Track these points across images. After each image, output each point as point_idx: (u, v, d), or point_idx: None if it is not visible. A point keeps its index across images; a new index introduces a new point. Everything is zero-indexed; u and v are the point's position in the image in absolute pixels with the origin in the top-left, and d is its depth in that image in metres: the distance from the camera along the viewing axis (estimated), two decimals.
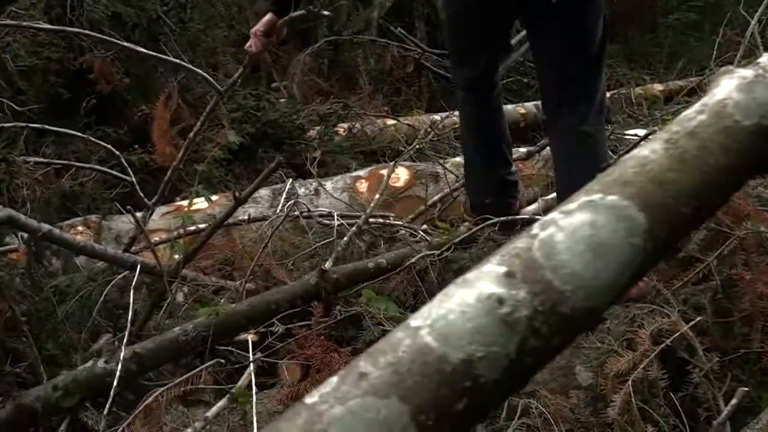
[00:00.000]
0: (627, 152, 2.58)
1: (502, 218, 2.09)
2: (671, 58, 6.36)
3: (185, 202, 3.21)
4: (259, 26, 2.26)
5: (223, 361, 1.61)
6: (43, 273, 2.22)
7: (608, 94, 5.18)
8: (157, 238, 2.55)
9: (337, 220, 2.31)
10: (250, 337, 1.60)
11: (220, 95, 2.39)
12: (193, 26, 4.04)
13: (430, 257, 1.89)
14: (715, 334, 1.63)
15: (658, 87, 5.53)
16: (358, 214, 2.59)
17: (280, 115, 4.49)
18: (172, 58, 2.40)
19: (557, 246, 0.55)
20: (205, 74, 2.29)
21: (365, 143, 4.63)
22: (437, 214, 2.87)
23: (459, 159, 3.39)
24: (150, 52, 2.41)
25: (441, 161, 3.36)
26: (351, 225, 2.36)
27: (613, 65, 5.67)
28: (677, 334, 1.52)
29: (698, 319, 1.55)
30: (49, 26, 3.17)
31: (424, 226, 2.47)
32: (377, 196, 2.27)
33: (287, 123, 4.51)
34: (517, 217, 2.16)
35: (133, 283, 1.73)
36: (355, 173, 3.46)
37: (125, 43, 2.54)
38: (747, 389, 1.48)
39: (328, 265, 1.82)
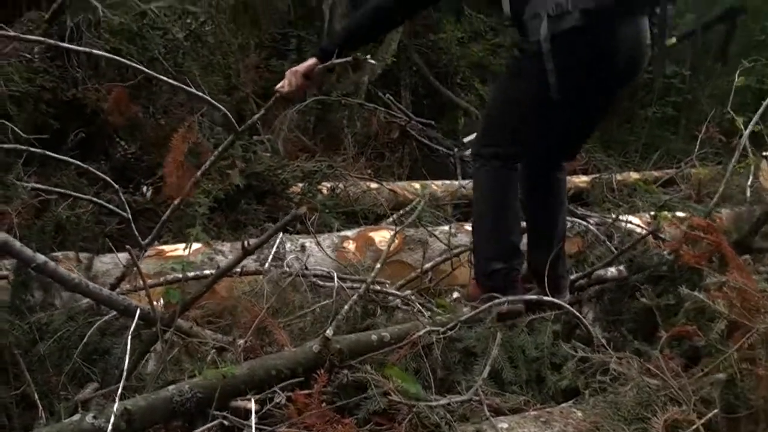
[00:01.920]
0: (632, 246, 2.64)
1: (508, 298, 2.06)
2: (647, 149, 6.58)
3: (166, 247, 3.14)
4: (299, 68, 2.26)
5: (226, 423, 1.52)
6: (24, 305, 2.11)
7: (588, 178, 5.34)
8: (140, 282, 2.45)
9: (337, 282, 2.26)
10: (252, 406, 1.51)
11: (236, 135, 2.34)
12: (190, 71, 4.01)
13: (434, 333, 1.85)
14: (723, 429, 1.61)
15: (634, 175, 5.68)
16: (356, 277, 2.54)
17: (266, 168, 4.46)
18: (194, 90, 2.34)
19: None
20: (226, 111, 2.24)
21: (347, 204, 4.63)
22: (430, 284, 2.84)
23: (446, 227, 3.40)
24: (174, 82, 2.37)
25: (429, 228, 3.35)
26: (348, 288, 2.32)
27: (590, 150, 5.83)
28: (691, 429, 1.49)
29: (712, 413, 1.53)
30: (70, 46, 3.10)
31: (422, 300, 2.41)
32: (378, 265, 2.23)
33: (272, 177, 4.48)
34: (526, 297, 2.13)
35: (131, 330, 1.64)
36: (342, 233, 3.43)
37: (150, 72, 2.49)
38: None
39: (329, 332, 1.76)
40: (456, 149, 5.55)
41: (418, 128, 5.86)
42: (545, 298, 2.12)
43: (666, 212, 3.71)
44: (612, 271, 2.64)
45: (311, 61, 2.27)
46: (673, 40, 2.23)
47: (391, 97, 6.06)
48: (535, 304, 2.09)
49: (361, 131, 5.80)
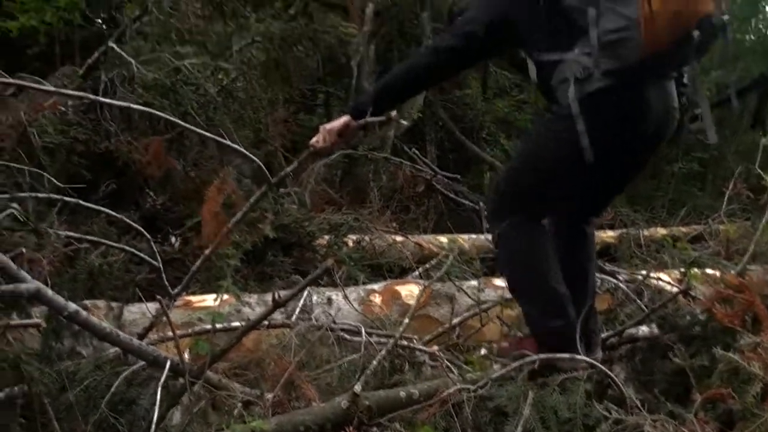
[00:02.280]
0: (663, 304, 2.59)
1: (540, 356, 2.02)
2: (673, 204, 6.53)
3: (194, 297, 3.15)
4: (334, 125, 2.26)
5: None
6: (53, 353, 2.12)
7: (615, 233, 5.29)
8: (169, 333, 2.45)
9: (365, 336, 2.24)
10: None
11: (269, 186, 2.36)
12: (221, 124, 4.09)
13: (465, 391, 1.82)
14: None
15: (661, 231, 5.62)
16: (384, 332, 2.52)
17: (293, 220, 4.49)
18: (229, 143, 2.39)
19: None
20: (260, 163, 2.27)
21: (373, 257, 4.63)
22: (458, 339, 2.81)
23: (473, 282, 3.38)
24: (209, 135, 2.42)
25: (457, 283, 3.32)
26: (376, 342, 2.30)
27: (616, 205, 5.79)
28: None
29: None
30: (110, 101, 3.17)
31: (450, 356, 2.38)
32: (406, 320, 2.21)
33: (298, 229, 4.51)
34: (578, 357, 2.08)
35: (162, 381, 1.63)
36: (369, 286, 3.42)
37: (185, 124, 2.55)
38: None
39: (357, 388, 1.74)
40: (481, 204, 5.56)
41: (443, 182, 5.87)
42: (579, 357, 2.08)
43: (696, 269, 3.65)
44: (643, 329, 2.59)
45: (345, 118, 2.27)
46: (698, 110, 2.21)
47: (416, 152, 6.10)
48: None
49: (386, 185, 5.83)
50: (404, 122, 2.96)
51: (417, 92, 3.06)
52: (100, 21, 9.76)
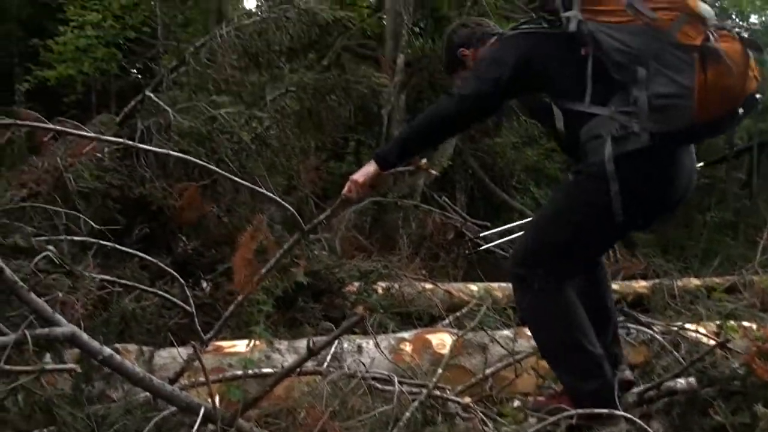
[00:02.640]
0: (701, 357, 2.52)
1: (577, 411, 1.97)
2: (706, 254, 6.43)
3: (224, 343, 3.14)
4: (364, 176, 2.26)
5: None
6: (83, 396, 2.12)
7: (647, 284, 5.21)
8: (200, 378, 2.44)
9: (398, 386, 2.20)
10: None
11: (303, 233, 2.37)
12: (254, 172, 4.14)
13: None
14: None
15: (695, 281, 5.52)
16: (416, 382, 2.48)
17: (323, 266, 4.50)
18: (264, 191, 2.42)
19: None
20: (293, 211, 2.29)
21: (402, 304, 4.60)
22: (491, 391, 2.75)
23: (507, 332, 3.32)
24: (244, 182, 2.46)
25: (490, 332, 3.27)
26: (408, 392, 2.26)
27: (648, 255, 5.72)
28: None
29: None
30: (151, 147, 3.25)
31: (483, 408, 2.33)
32: (439, 370, 2.18)
33: (329, 275, 4.51)
34: (617, 413, 2.04)
35: (196, 429, 1.62)
36: (399, 335, 3.38)
37: (221, 172, 2.58)
38: None
39: None
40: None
41: (473, 230, 5.86)
42: (617, 412, 2.02)
43: (732, 322, 3.57)
44: (681, 382, 2.52)
45: (373, 168, 2.27)
46: (701, 164, 2.30)
47: (446, 199, 6.12)
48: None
49: (416, 232, 5.83)
50: (434, 171, 2.94)
51: (442, 139, 3.05)
52: (136, 71, 10.05)
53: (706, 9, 1.95)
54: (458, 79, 2.47)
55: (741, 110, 1.96)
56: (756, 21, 13.13)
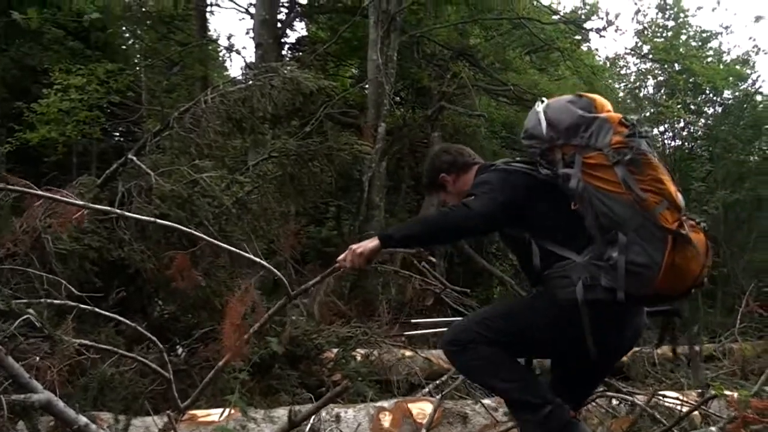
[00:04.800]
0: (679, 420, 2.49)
1: None
2: (684, 322, 6.42)
3: (198, 412, 3.04)
4: (364, 249, 2.27)
5: None
6: None
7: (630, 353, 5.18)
8: None
9: None
10: None
11: (289, 298, 2.34)
12: (234, 235, 4.11)
13: None
14: None
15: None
16: None
17: (301, 332, 4.43)
18: (251, 255, 2.38)
19: None
20: (281, 275, 2.25)
21: (381, 371, 4.52)
22: None
23: (489, 401, 3.26)
24: (229, 247, 2.43)
25: (470, 402, 3.21)
26: None
27: None
28: None
29: None
30: (139, 216, 3.20)
31: None
32: None
33: (306, 341, 4.43)
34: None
35: None
36: (378, 404, 3.30)
37: (206, 237, 2.54)
38: None
39: None
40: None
41: (453, 296, 5.83)
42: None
43: (712, 390, 3.54)
44: None
45: (375, 244, 2.28)
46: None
47: (426, 265, 6.09)
48: None
49: (395, 297, 5.78)
50: (433, 259, 2.94)
51: (445, 242, 3.15)
52: (118, 134, 10.06)
53: (681, 200, 2.17)
54: (442, 199, 2.64)
55: (694, 290, 2.19)
56: (729, 96, 13.61)
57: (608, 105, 2.28)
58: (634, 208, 2.11)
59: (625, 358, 5.05)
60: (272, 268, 2.30)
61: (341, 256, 2.30)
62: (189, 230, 2.96)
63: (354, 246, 2.29)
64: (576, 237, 2.22)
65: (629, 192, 2.11)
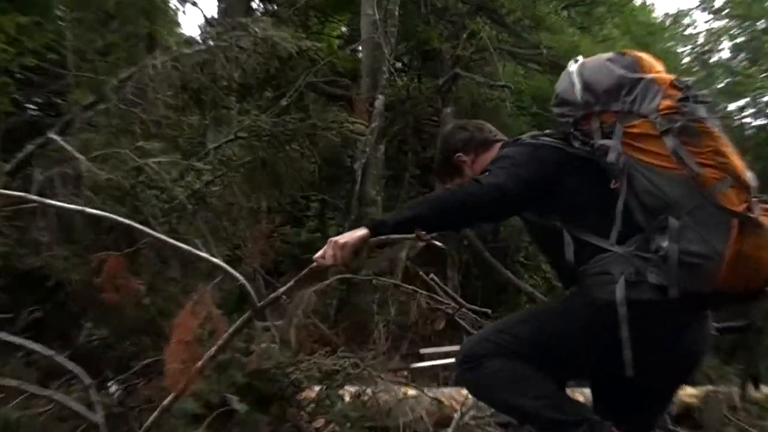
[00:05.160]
0: None
1: None
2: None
3: None
4: (348, 239, 2.22)
5: None
6: None
7: (697, 391, 5.10)
8: None
9: None
10: None
11: (254, 312, 2.34)
12: (189, 239, 4.03)
13: None
14: None
15: (765, 389, 5.43)
16: None
17: (274, 365, 4.34)
18: (211, 258, 2.36)
19: None
20: (246, 282, 2.21)
21: (377, 416, 4.45)
22: None
23: None
24: (186, 247, 2.40)
25: None
26: None
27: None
28: None
29: None
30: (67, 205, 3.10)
31: None
32: None
33: (280, 377, 4.34)
34: None
35: None
36: None
37: (160, 235, 2.46)
38: None
39: None
40: None
41: (469, 318, 5.72)
42: None
43: None
44: None
45: (362, 232, 2.24)
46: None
47: (435, 278, 6.00)
48: None
49: (395, 319, 5.72)
50: (440, 244, 2.85)
51: (452, 226, 3.09)
52: (35, 107, 9.93)
53: (752, 178, 2.18)
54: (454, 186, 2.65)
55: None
56: None
57: (658, 65, 2.29)
58: (689, 185, 2.13)
59: (695, 399, 4.98)
60: (235, 272, 2.24)
61: (320, 252, 2.25)
62: (130, 222, 2.94)
63: (335, 237, 2.25)
64: (617, 223, 2.24)
65: (682, 166, 2.13)
